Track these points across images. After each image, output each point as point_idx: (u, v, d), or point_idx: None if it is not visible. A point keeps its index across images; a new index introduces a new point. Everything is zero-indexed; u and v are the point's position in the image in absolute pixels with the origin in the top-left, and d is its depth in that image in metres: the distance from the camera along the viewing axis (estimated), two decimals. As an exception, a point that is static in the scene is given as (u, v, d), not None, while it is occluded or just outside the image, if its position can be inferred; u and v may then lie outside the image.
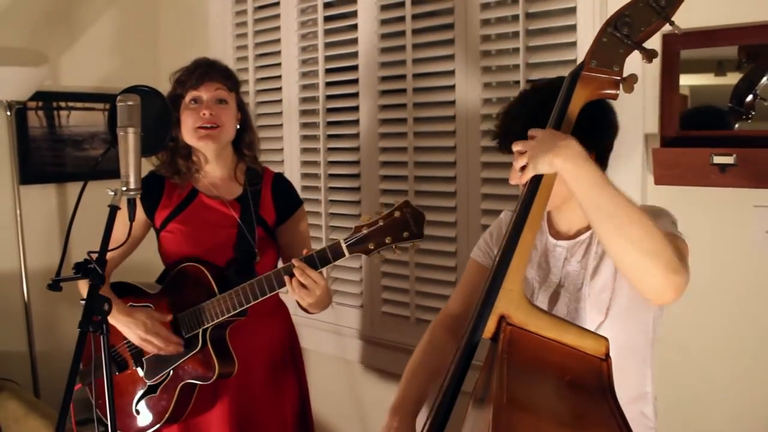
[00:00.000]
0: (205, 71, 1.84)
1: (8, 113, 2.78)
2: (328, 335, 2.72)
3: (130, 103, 1.38)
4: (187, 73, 1.85)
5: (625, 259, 1.14)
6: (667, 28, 1.20)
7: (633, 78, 1.19)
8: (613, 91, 1.21)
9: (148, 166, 1.89)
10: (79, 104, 3.14)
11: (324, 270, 1.66)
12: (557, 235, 1.44)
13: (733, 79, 1.79)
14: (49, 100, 3.04)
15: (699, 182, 1.74)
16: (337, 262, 1.64)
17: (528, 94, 1.43)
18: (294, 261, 1.63)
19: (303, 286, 1.63)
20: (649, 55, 1.19)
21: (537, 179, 1.19)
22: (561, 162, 1.14)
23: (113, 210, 1.39)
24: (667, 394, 1.58)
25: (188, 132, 1.84)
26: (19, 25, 2.98)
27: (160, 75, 3.35)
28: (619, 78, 1.19)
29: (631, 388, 1.34)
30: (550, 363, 1.10)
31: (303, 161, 2.79)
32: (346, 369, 2.73)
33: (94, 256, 1.33)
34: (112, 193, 1.39)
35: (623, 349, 1.23)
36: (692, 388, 1.84)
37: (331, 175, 2.70)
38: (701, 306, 1.81)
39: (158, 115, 1.50)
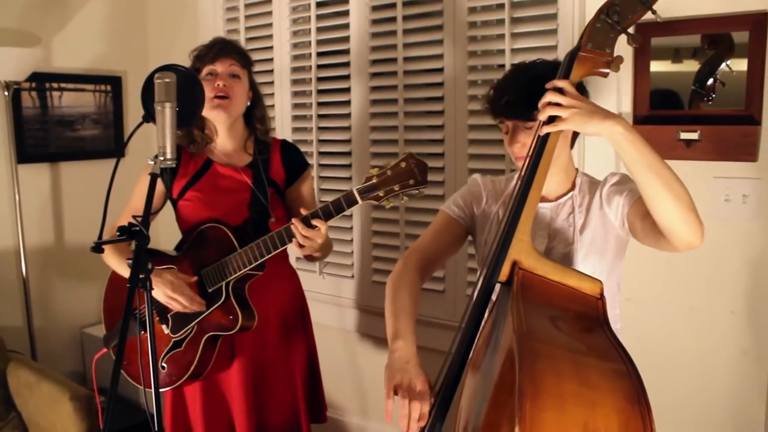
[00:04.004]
0: (222, 47, 2.01)
1: (6, 93, 2.85)
2: (327, 306, 2.88)
3: (167, 80, 1.51)
4: (205, 49, 2.01)
5: (671, 210, 1.28)
6: (648, 17, 1.39)
7: (620, 59, 1.38)
8: (605, 70, 1.39)
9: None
10: (70, 85, 3.21)
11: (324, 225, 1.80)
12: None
13: (689, 66, 2.01)
14: (42, 81, 3.11)
15: (667, 156, 1.89)
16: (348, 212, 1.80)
17: (522, 68, 1.57)
18: (302, 210, 1.81)
19: (306, 237, 1.80)
20: (634, 39, 1.38)
21: (544, 142, 1.36)
22: (623, 129, 1.27)
23: (153, 178, 1.51)
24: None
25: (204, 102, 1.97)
26: (11, 5, 3.03)
27: (148, 56, 3.44)
28: (610, 59, 1.37)
29: None
30: (556, 301, 1.27)
31: (294, 128, 2.94)
32: (342, 337, 2.90)
33: (140, 219, 1.47)
34: (152, 162, 1.52)
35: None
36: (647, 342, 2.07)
37: (322, 141, 2.86)
38: (662, 268, 2.03)
39: (191, 92, 1.62)
